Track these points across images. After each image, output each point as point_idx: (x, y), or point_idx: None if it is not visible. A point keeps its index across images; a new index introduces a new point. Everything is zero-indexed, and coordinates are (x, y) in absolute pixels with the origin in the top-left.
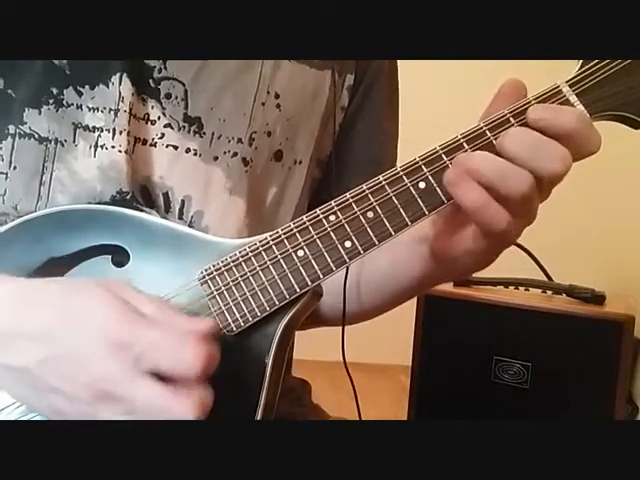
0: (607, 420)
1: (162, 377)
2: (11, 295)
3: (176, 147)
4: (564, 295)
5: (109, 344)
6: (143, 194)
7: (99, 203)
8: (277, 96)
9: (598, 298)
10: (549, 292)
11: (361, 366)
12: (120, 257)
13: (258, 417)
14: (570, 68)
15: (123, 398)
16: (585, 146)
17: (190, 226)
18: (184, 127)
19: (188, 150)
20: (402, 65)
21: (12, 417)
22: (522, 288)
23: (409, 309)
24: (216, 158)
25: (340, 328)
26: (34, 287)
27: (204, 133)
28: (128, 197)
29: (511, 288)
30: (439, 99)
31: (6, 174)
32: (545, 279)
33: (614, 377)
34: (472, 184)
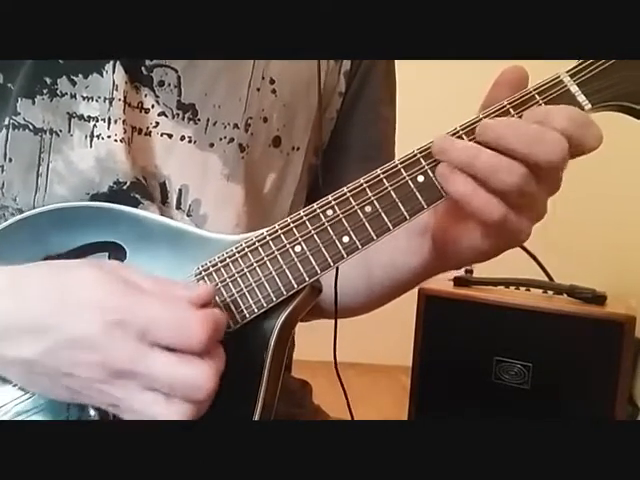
0: (608, 421)
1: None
2: (3, 284)
3: (170, 135)
4: (565, 295)
5: (110, 322)
6: (140, 184)
7: (96, 196)
8: (272, 81)
9: (599, 298)
10: (550, 292)
11: (362, 366)
12: (117, 254)
13: (256, 415)
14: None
15: (138, 373)
16: (582, 143)
17: (189, 215)
18: (178, 115)
19: (183, 138)
20: (405, 61)
21: (9, 416)
22: (523, 288)
23: (409, 309)
24: (212, 145)
25: (341, 327)
26: (27, 273)
27: (198, 120)
28: (125, 187)
29: (512, 288)
30: (439, 92)
31: (2, 166)
32: (546, 279)
33: (615, 378)
34: (458, 175)
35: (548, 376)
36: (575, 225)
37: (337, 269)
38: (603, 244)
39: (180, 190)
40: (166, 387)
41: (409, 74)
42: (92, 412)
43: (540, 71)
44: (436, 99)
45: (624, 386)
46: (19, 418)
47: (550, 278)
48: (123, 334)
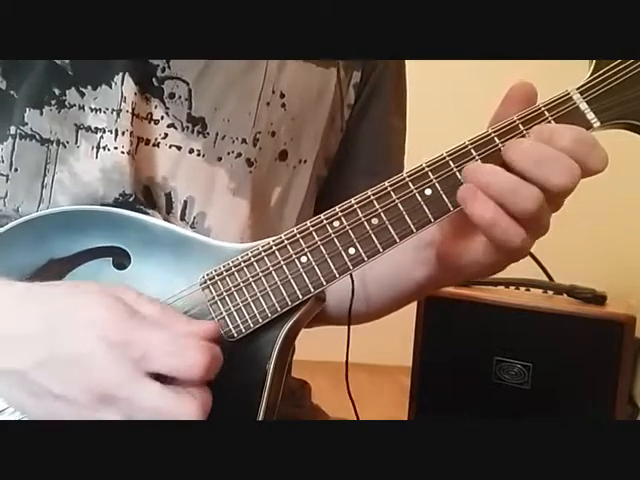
0: (608, 421)
1: (163, 378)
2: (9, 298)
3: (179, 147)
4: (565, 295)
5: (109, 346)
6: (145, 195)
7: (102, 205)
8: (282, 95)
9: (599, 298)
10: (550, 292)
11: (361, 366)
12: (121, 259)
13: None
14: (579, 69)
15: (124, 400)
16: (587, 165)
17: (192, 227)
18: (187, 127)
19: (191, 151)
20: (411, 67)
21: (14, 417)
22: (523, 288)
23: (410, 309)
24: (220, 159)
25: (341, 327)
26: (33, 290)
27: (208, 133)
28: (131, 199)
29: (512, 288)
30: (448, 102)
31: (7, 176)
32: (546, 279)
33: (615, 378)
34: (485, 200)
35: (548, 376)
36: (575, 225)
37: (352, 278)
38: (603, 244)
39: (185, 202)
40: (150, 418)
41: (420, 83)
42: None
43: (549, 82)
44: (441, 104)
45: (624, 386)
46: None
47: (550, 278)
48: (119, 356)
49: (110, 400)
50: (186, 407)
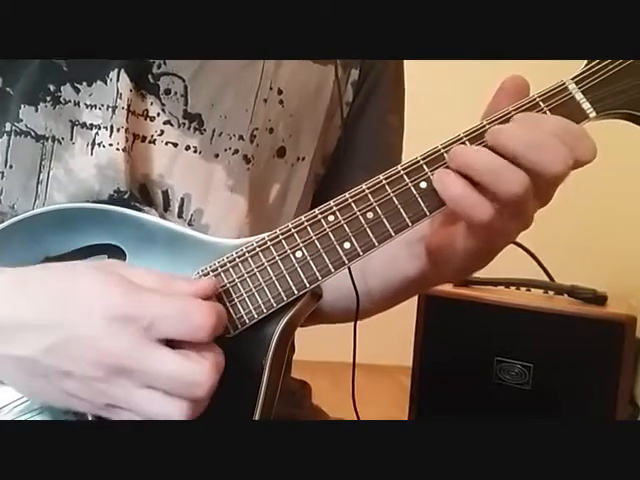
0: (608, 421)
1: (172, 345)
2: (6, 285)
3: (176, 144)
4: (566, 295)
5: (114, 319)
6: (141, 192)
7: (97, 202)
8: (280, 92)
9: (600, 299)
10: (550, 292)
11: (361, 366)
12: (116, 257)
13: (256, 419)
14: (575, 66)
15: (137, 370)
16: (576, 155)
17: (190, 224)
18: (184, 124)
19: (188, 147)
20: (409, 65)
21: (10, 416)
22: (523, 288)
23: (410, 309)
24: (217, 155)
25: (341, 327)
26: (29, 275)
27: (204, 130)
28: (126, 196)
29: (512, 288)
30: (443, 97)
31: (2, 172)
32: (547, 279)
33: (616, 378)
34: (452, 175)
35: (549, 376)
36: (576, 225)
37: (350, 271)
38: (604, 244)
39: (182, 199)
40: (165, 384)
41: (413, 76)
42: (90, 417)
43: (543, 75)
44: (440, 101)
45: (625, 386)
46: (20, 419)
47: (551, 278)
48: (126, 330)
49: (122, 372)
50: (200, 368)
